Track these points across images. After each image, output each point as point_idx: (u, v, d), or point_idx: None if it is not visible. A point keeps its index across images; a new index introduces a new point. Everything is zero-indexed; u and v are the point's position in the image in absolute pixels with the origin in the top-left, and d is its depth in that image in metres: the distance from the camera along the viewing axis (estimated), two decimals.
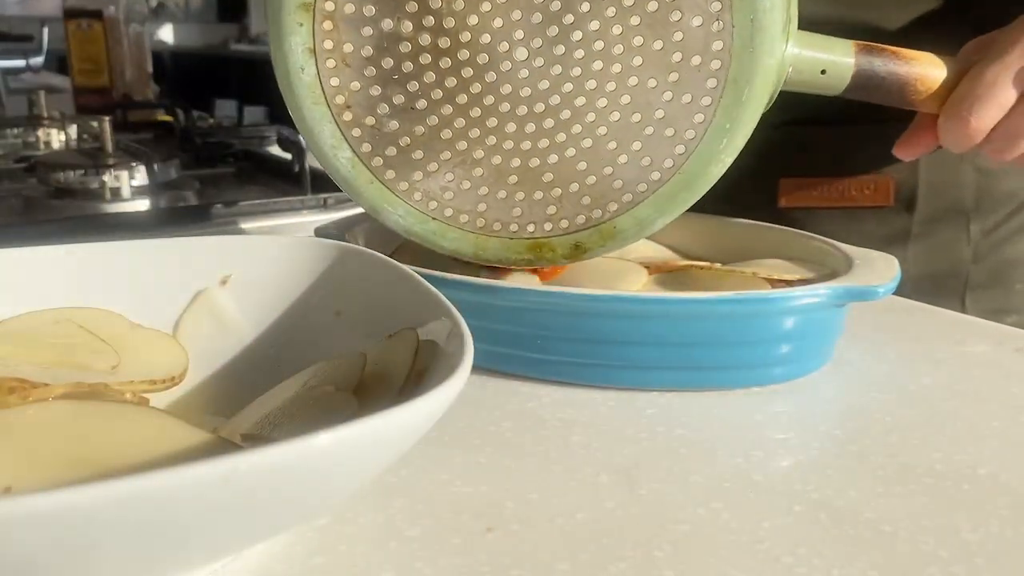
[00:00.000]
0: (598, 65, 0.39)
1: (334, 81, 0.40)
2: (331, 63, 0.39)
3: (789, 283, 0.43)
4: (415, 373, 0.29)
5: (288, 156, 0.89)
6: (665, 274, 0.46)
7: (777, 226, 0.51)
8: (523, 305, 0.39)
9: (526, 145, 0.40)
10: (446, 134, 0.40)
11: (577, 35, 0.38)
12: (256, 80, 4.04)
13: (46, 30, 1.91)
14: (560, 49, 0.39)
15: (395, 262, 0.34)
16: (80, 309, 0.33)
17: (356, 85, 0.40)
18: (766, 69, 0.38)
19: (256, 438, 0.28)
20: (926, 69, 0.44)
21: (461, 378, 0.24)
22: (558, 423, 0.36)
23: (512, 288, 0.40)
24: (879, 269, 0.41)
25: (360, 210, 0.45)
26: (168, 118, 1.18)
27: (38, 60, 1.92)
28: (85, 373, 0.31)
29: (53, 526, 0.17)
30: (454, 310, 0.29)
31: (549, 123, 0.40)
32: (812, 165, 0.63)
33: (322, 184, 0.84)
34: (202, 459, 0.18)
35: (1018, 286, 0.66)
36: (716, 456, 0.34)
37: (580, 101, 0.39)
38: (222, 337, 0.35)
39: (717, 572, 0.26)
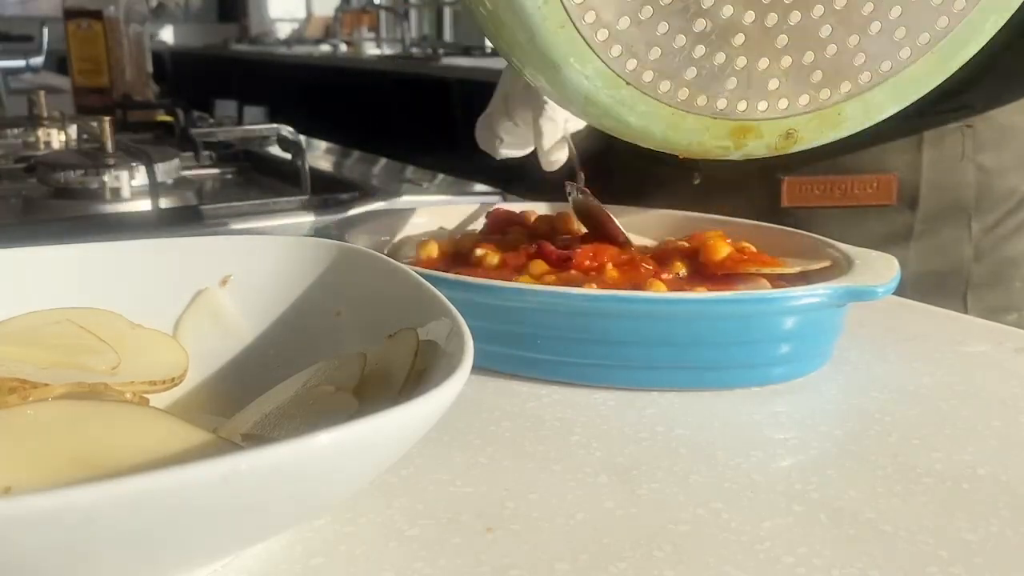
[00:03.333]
0: None
1: None
2: None
3: (785, 279, 0.43)
4: (415, 373, 0.29)
5: (288, 156, 0.89)
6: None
7: (777, 226, 0.51)
8: (523, 305, 0.39)
9: None
10: None
11: None
12: (256, 80, 4.04)
13: (46, 30, 1.91)
14: None
15: (395, 262, 0.34)
16: (80, 309, 0.33)
17: None
18: None
19: (256, 438, 0.28)
20: None
21: (461, 378, 0.24)
22: (558, 423, 0.36)
23: (512, 288, 0.40)
24: (879, 269, 0.41)
25: (360, 210, 0.45)
26: (168, 118, 1.18)
27: (38, 60, 1.92)
28: (85, 373, 0.31)
29: (53, 526, 0.17)
30: (454, 310, 0.29)
31: None
32: (815, 164, 0.63)
33: (322, 184, 0.84)
34: (202, 459, 0.18)
35: (1018, 284, 0.66)
36: (716, 456, 0.34)
37: None
38: (222, 337, 0.35)
39: (717, 572, 0.27)
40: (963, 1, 0.34)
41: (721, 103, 0.35)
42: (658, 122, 0.35)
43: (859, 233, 0.61)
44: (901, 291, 0.44)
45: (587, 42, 0.33)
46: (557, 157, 0.57)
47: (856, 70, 0.35)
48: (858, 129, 0.36)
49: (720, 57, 0.34)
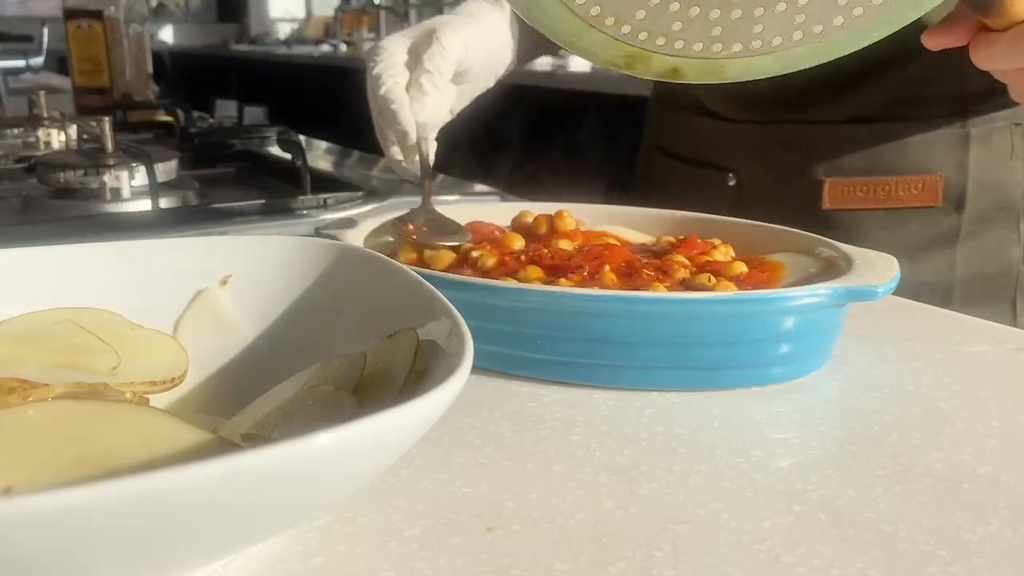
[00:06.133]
0: None
1: None
2: None
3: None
4: (415, 373, 0.29)
5: (288, 156, 0.89)
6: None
7: (777, 226, 0.51)
8: (523, 305, 0.39)
9: None
10: None
11: None
12: (256, 80, 4.04)
13: (46, 30, 1.91)
14: None
15: (395, 262, 0.34)
16: (80, 309, 0.33)
17: None
18: None
19: (256, 438, 0.28)
20: None
21: (461, 378, 0.24)
22: (558, 423, 0.36)
23: (512, 288, 0.40)
24: (879, 269, 0.41)
25: (360, 210, 0.45)
26: (168, 118, 1.18)
27: (38, 60, 1.92)
28: (85, 373, 0.31)
29: (53, 526, 0.17)
30: (454, 310, 0.29)
31: None
32: (856, 165, 0.62)
33: (322, 184, 0.84)
34: (202, 459, 0.18)
35: None
36: (716, 456, 0.34)
37: None
38: (222, 337, 0.35)
39: (717, 572, 0.26)
40: (861, 9, 0.37)
41: (626, 29, 0.38)
42: (565, 27, 0.38)
43: (903, 236, 0.59)
44: (947, 296, 0.43)
45: None
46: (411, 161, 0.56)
47: (751, 36, 0.38)
48: (733, 81, 0.38)
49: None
